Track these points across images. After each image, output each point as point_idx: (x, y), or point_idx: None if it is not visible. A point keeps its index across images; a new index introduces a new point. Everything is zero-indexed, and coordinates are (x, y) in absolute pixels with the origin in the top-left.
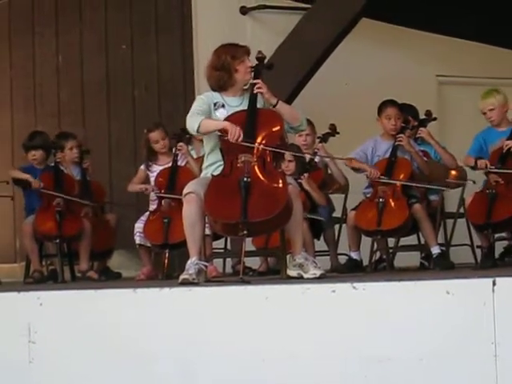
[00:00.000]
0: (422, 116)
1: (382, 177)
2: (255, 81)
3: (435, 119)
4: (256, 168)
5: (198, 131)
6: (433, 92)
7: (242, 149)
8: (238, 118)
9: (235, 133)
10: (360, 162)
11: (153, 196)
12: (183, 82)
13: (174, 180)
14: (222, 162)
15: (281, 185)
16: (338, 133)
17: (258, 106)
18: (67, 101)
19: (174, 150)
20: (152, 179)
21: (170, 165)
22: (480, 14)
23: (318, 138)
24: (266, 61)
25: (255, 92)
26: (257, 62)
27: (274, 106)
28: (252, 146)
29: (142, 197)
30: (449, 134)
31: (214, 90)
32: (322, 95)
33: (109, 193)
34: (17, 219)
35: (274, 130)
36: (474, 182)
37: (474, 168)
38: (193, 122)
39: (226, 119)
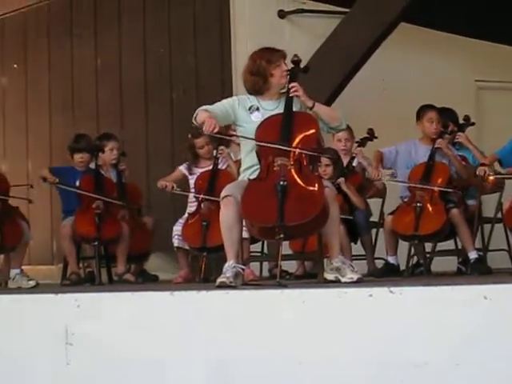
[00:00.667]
0: (461, 121)
1: (386, 178)
2: (291, 84)
3: (473, 124)
4: (292, 171)
5: (195, 119)
6: (471, 97)
7: (278, 152)
8: (274, 122)
9: (210, 124)
10: (379, 159)
11: (191, 198)
12: (221, 85)
13: (213, 183)
14: (258, 166)
15: (317, 188)
16: (376, 137)
17: (295, 109)
18: (105, 103)
19: (215, 153)
20: (192, 181)
21: (210, 168)
22: None
23: (356, 142)
24: (302, 64)
25: (291, 95)
26: (292, 66)
27: (311, 109)
28: (286, 149)
29: (179, 200)
30: (486, 139)
31: (250, 93)
32: (359, 99)
33: (146, 196)
34: (54, 221)
35: (309, 133)
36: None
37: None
38: (196, 112)
39: (262, 123)
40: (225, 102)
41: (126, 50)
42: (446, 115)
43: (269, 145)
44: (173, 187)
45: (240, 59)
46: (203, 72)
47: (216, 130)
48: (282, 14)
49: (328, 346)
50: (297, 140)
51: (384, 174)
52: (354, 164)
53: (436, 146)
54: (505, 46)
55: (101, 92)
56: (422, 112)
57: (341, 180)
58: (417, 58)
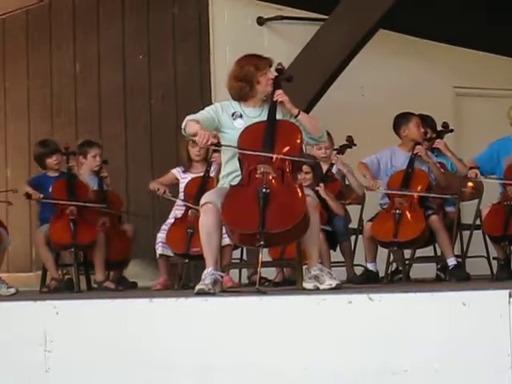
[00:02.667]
0: (439, 128)
1: (381, 188)
2: (277, 91)
3: (452, 131)
4: (274, 179)
5: (184, 130)
6: (449, 103)
7: (260, 159)
8: (257, 129)
9: (203, 137)
10: (366, 170)
11: (179, 202)
12: (200, 91)
13: (203, 190)
14: (239, 172)
15: (299, 196)
16: (355, 145)
17: (278, 117)
18: (84, 110)
19: (209, 158)
20: (182, 185)
21: (201, 174)
22: (497, 25)
23: (335, 149)
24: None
25: (276, 101)
26: (276, 74)
27: (296, 117)
28: (269, 156)
29: (159, 207)
30: (465, 145)
31: (234, 99)
32: (338, 106)
33: (125, 203)
34: (32, 228)
35: (292, 141)
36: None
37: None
38: (184, 122)
39: (245, 129)
40: (209, 110)
41: (105, 56)
42: (425, 122)
43: (253, 153)
44: (165, 191)
45: (219, 65)
46: (182, 78)
47: (209, 143)
48: (261, 21)
49: (307, 352)
50: (280, 148)
51: (379, 184)
52: (334, 171)
53: (415, 151)
54: (482, 52)
55: (79, 99)
56: (406, 117)
57: (320, 187)
58: (395, 65)
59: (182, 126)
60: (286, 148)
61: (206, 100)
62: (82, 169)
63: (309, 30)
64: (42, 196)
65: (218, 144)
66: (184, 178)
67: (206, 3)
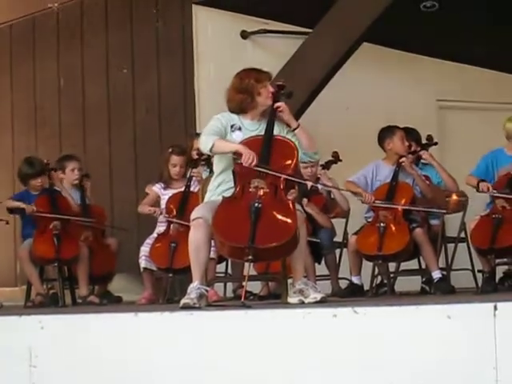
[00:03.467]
0: (424, 141)
1: (378, 201)
2: (277, 103)
3: (436, 144)
4: (268, 194)
5: (211, 151)
6: (433, 116)
7: (255, 174)
8: (254, 143)
9: (249, 157)
10: (356, 186)
11: (161, 218)
12: (184, 105)
13: (184, 205)
14: (231, 183)
15: (291, 213)
16: (341, 160)
17: (275, 133)
18: (68, 123)
19: (188, 174)
20: (163, 202)
21: (182, 189)
22: (480, 38)
23: (321, 165)
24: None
25: (275, 116)
26: (277, 89)
27: (294, 130)
28: (267, 172)
29: (143, 220)
30: (449, 158)
31: (232, 112)
32: (322, 120)
33: (110, 216)
34: (17, 243)
35: (288, 159)
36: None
37: (477, 190)
38: (207, 142)
39: (242, 143)
40: (217, 124)
41: (89, 70)
42: (410, 135)
43: (268, 171)
44: (161, 212)
45: (203, 79)
46: (166, 92)
47: (255, 163)
48: (244, 35)
49: (292, 366)
50: (275, 164)
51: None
52: (319, 186)
53: (400, 161)
54: (465, 65)
55: (63, 112)
56: (391, 131)
57: (304, 201)
58: (379, 78)
59: (208, 147)
60: (281, 164)
61: (189, 113)
62: (61, 184)
63: (293, 43)
64: (36, 209)
65: (260, 166)
66: (165, 195)
67: (189, 17)
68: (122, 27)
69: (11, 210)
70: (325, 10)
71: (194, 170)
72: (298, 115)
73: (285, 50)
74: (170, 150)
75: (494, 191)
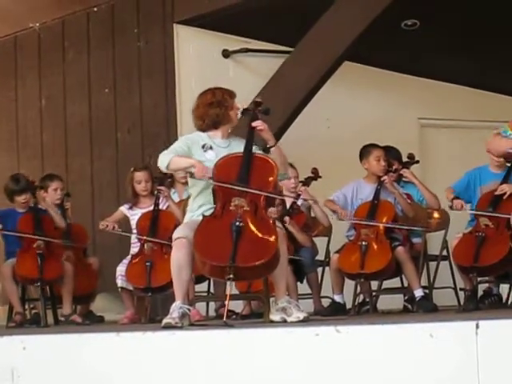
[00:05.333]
0: (405, 159)
1: (354, 218)
2: (256, 122)
3: (418, 162)
4: (248, 213)
5: (167, 168)
6: (415, 135)
7: (235, 192)
8: (233, 161)
9: (201, 170)
10: (333, 204)
11: (134, 239)
12: (166, 124)
13: (155, 223)
14: (211, 205)
15: (272, 232)
16: (321, 177)
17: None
18: (50, 143)
19: (155, 192)
20: (133, 222)
21: (151, 208)
22: (461, 56)
23: (301, 181)
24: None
25: (253, 133)
26: (253, 107)
27: (270, 148)
28: (245, 190)
29: (125, 239)
30: (430, 176)
31: (201, 130)
32: (303, 138)
33: (92, 236)
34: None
35: (268, 176)
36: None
37: (451, 207)
38: (163, 159)
39: (221, 161)
40: (181, 144)
41: (71, 90)
42: (390, 154)
43: (231, 186)
44: (114, 227)
45: (185, 98)
46: (148, 111)
47: (208, 175)
48: (226, 54)
49: None
50: (254, 182)
51: (349, 215)
52: (299, 203)
53: (382, 179)
54: (447, 83)
55: (45, 132)
56: (367, 151)
57: (286, 219)
58: (361, 97)
59: (164, 164)
60: (261, 182)
61: (172, 132)
62: (45, 202)
63: (274, 62)
64: (0, 227)
65: (235, 183)
66: (134, 215)
67: (171, 36)
68: (103, 47)
69: None
70: (306, 29)
71: (160, 188)
72: (279, 134)
73: (266, 69)
74: (132, 169)
75: (467, 209)
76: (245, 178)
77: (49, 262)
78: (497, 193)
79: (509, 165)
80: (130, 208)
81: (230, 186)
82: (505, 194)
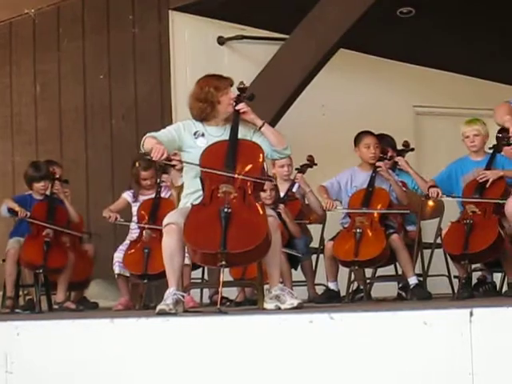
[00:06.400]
0: (400, 147)
1: (339, 207)
2: (239, 105)
3: (413, 150)
4: (236, 199)
5: (142, 147)
6: (410, 122)
7: (222, 179)
8: (219, 148)
9: (158, 151)
10: (324, 192)
11: (133, 225)
12: (161, 111)
13: (155, 211)
14: (201, 192)
15: (261, 217)
16: (316, 164)
17: (240, 136)
18: (45, 130)
19: (158, 180)
20: (135, 209)
21: (152, 196)
22: (455, 44)
23: (297, 169)
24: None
25: (238, 120)
26: (238, 93)
27: (260, 128)
28: (231, 175)
29: (119, 227)
30: (425, 164)
31: (196, 119)
32: (299, 126)
33: (86, 222)
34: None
35: (254, 161)
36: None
37: (426, 196)
38: (143, 139)
39: (207, 148)
40: (171, 128)
41: (65, 76)
42: (384, 142)
43: (214, 171)
44: (116, 218)
45: (179, 85)
46: (143, 98)
47: (164, 157)
48: (221, 41)
49: (268, 372)
50: (241, 168)
51: (336, 204)
52: (294, 190)
53: (377, 164)
54: (442, 71)
55: (40, 119)
56: (358, 138)
57: (280, 208)
58: (356, 84)
59: (141, 143)
60: (247, 168)
61: (166, 119)
62: (64, 194)
63: (269, 49)
64: (28, 215)
65: (170, 158)
66: (136, 202)
67: (166, 23)
68: (98, 33)
69: (10, 211)
70: (301, 17)
71: (164, 176)
72: (274, 121)
73: (261, 56)
74: (137, 164)
75: (444, 195)
76: (231, 164)
77: (54, 251)
78: (478, 178)
79: (488, 150)
80: (134, 196)
81: (217, 173)
82: (488, 180)
